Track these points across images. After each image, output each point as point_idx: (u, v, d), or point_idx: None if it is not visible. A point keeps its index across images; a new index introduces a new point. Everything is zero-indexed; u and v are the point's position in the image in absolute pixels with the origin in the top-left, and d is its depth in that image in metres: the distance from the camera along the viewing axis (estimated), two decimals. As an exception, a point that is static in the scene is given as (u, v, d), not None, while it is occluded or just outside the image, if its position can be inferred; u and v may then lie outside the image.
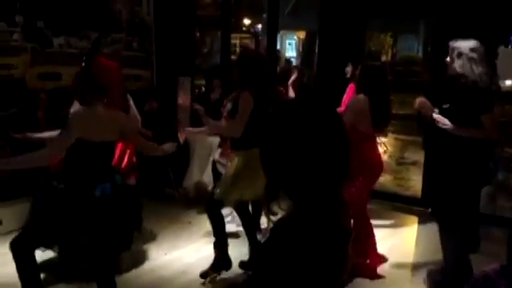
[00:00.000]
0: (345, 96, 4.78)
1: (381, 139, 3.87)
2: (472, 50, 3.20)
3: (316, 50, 5.84)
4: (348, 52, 5.06)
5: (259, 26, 16.42)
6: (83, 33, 5.22)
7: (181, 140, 5.27)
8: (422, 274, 3.71)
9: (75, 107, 2.85)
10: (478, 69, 3.14)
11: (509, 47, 7.01)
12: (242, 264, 3.76)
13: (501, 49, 5.06)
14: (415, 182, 6.12)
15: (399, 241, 4.52)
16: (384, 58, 18.31)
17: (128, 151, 3.82)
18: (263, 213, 3.71)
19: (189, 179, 5.17)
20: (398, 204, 5.36)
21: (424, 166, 5.17)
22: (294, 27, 16.75)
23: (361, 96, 3.57)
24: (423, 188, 5.17)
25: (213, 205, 3.54)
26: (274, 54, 6.23)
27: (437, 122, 3.26)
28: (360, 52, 5.27)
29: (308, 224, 1.14)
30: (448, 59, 3.32)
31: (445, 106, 3.30)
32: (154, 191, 5.15)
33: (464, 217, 3.38)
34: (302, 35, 18.17)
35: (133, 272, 3.73)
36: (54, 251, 3.64)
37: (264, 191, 1.20)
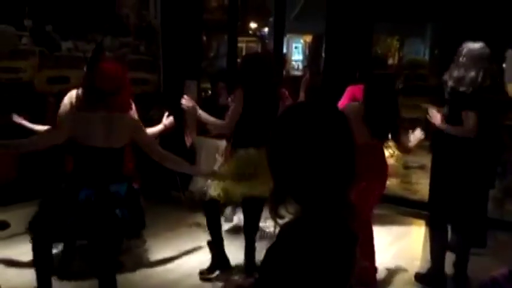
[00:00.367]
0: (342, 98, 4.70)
1: (388, 143, 3.80)
2: (464, 54, 3.35)
3: (323, 54, 5.84)
4: (354, 56, 5.05)
5: (266, 29, 16.42)
6: (90, 37, 5.25)
7: (188, 143, 5.30)
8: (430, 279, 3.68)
9: (65, 107, 2.84)
10: (459, 73, 3.32)
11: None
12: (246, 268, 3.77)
13: (509, 52, 5.03)
14: (422, 186, 6.08)
15: (406, 245, 4.50)
16: (390, 61, 18.25)
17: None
18: (263, 215, 3.77)
19: (195, 182, 5.17)
20: (405, 209, 5.33)
21: (431, 170, 5.14)
22: (300, 31, 16.75)
23: (356, 103, 3.54)
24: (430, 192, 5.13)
25: (210, 203, 3.59)
26: (281, 58, 6.23)
27: (430, 117, 3.44)
28: (366, 56, 5.26)
29: (316, 227, 1.14)
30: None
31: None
32: (161, 194, 5.16)
33: (470, 218, 3.41)
34: (308, 38, 18.15)
35: (139, 275, 3.73)
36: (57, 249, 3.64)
37: (271, 195, 1.20)
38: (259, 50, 14.21)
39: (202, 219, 4.76)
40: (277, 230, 1.18)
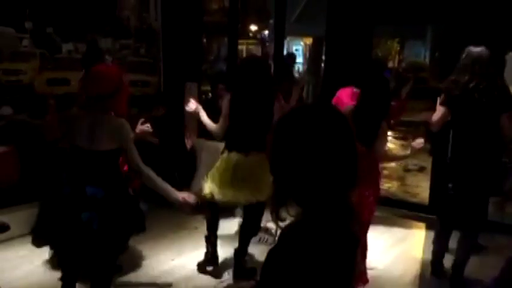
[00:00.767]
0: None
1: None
2: (463, 58, 3.42)
3: (323, 57, 5.84)
4: (355, 58, 5.05)
5: (266, 32, 16.46)
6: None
7: (188, 145, 5.29)
8: (430, 281, 3.68)
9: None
10: (456, 77, 3.42)
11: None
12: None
13: (510, 55, 5.04)
14: (422, 189, 6.08)
15: (406, 248, 4.49)
16: (390, 64, 18.28)
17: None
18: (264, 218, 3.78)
19: (196, 185, 5.16)
20: (406, 211, 5.33)
21: (432, 173, 5.15)
22: (300, 34, 16.77)
23: (349, 106, 3.51)
24: (431, 195, 5.14)
25: (210, 203, 3.64)
26: (282, 61, 6.23)
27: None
28: (367, 58, 5.27)
29: (317, 230, 1.14)
30: None
31: None
32: (161, 196, 5.14)
33: (474, 221, 3.43)
34: (309, 41, 18.18)
35: (137, 278, 3.73)
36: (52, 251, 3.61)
37: (272, 197, 1.20)
38: (260, 52, 14.22)
39: (202, 223, 4.77)
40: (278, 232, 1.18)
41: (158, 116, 4.77)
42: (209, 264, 3.83)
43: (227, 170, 3.47)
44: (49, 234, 2.81)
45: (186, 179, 5.24)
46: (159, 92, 5.88)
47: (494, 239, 4.29)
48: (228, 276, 3.76)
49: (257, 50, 15.05)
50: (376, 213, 3.90)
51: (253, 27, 16.09)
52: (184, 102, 5.36)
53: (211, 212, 3.80)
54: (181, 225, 4.75)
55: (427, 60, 18.15)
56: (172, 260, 4.06)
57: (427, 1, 11.63)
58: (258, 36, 16.74)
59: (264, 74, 3.50)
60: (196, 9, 5.89)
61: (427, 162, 6.01)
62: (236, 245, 3.77)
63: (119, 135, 2.76)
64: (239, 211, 4.62)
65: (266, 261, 1.15)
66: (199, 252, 3.95)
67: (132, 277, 3.71)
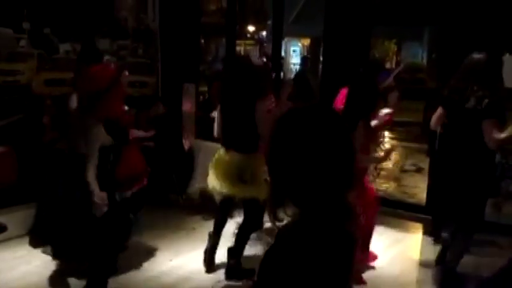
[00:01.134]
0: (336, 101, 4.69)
1: (384, 144, 3.82)
2: (462, 65, 3.45)
3: (321, 57, 5.85)
4: (352, 59, 5.06)
5: (264, 33, 16.48)
6: (89, 39, 5.26)
7: (186, 146, 5.30)
8: (428, 281, 3.69)
9: None
10: (454, 83, 3.46)
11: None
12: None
13: (507, 57, 5.05)
14: (419, 190, 6.09)
15: (403, 249, 4.50)
16: (388, 65, 18.32)
17: None
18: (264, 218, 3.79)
19: (193, 185, 5.17)
20: (403, 212, 5.34)
21: (429, 173, 5.15)
22: (298, 34, 16.79)
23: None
24: (428, 196, 5.14)
25: (222, 202, 3.73)
26: (279, 61, 6.23)
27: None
28: (364, 59, 5.27)
29: (314, 230, 1.14)
30: None
31: None
32: (159, 197, 5.15)
33: (471, 220, 3.45)
34: (306, 41, 18.20)
35: (136, 278, 3.73)
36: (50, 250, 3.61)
37: (269, 197, 1.20)
38: (258, 53, 14.23)
39: (200, 223, 4.79)
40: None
41: (159, 114, 4.75)
42: (205, 264, 3.84)
43: (214, 164, 3.62)
44: (47, 231, 2.83)
45: (184, 178, 5.25)
46: (157, 92, 5.88)
47: (491, 240, 4.31)
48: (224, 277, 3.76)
49: (255, 51, 15.06)
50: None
51: (251, 28, 16.11)
52: (182, 102, 5.39)
53: (221, 213, 3.83)
54: (179, 226, 4.75)
55: (424, 61, 18.20)
56: (171, 260, 4.06)
57: (425, 3, 11.68)
58: (256, 37, 16.76)
59: (243, 73, 3.48)
60: (194, 10, 5.89)
61: (425, 163, 6.02)
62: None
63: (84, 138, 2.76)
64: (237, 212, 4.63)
65: (263, 262, 1.16)
66: (197, 253, 3.95)
67: (131, 277, 3.70)
